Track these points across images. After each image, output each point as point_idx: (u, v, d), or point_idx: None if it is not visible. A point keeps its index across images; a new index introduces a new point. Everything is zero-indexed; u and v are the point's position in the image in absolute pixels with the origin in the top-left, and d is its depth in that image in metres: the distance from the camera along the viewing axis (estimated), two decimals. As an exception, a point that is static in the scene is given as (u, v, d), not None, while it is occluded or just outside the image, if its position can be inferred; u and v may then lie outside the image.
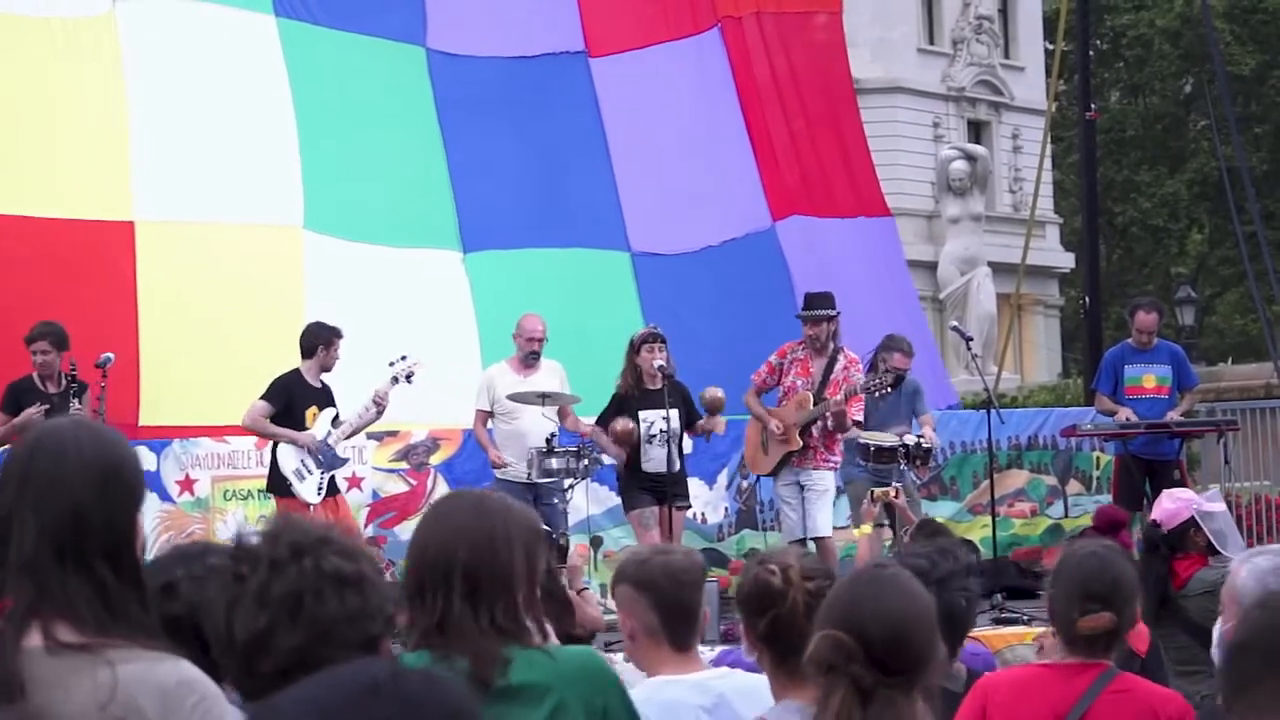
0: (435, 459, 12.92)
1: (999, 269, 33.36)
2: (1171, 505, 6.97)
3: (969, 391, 18.04)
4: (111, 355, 11.01)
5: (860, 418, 11.35)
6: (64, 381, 10.72)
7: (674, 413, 10.96)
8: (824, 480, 11.34)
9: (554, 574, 4.83)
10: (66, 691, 2.42)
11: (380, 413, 11.16)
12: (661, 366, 11.01)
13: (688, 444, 11.64)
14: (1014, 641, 9.55)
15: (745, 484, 13.43)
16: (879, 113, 31.41)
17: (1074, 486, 14.29)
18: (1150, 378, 12.27)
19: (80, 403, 10.60)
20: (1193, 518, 6.83)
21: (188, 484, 12.43)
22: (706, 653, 4.80)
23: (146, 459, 12.33)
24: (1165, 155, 40.59)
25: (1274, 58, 38.53)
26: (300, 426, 10.89)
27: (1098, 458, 14.23)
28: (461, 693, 2.00)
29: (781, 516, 11.74)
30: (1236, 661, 2.41)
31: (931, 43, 39.86)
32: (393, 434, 12.77)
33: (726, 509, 13.44)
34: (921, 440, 11.74)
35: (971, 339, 13.30)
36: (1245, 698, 2.36)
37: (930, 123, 38.89)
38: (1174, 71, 39.88)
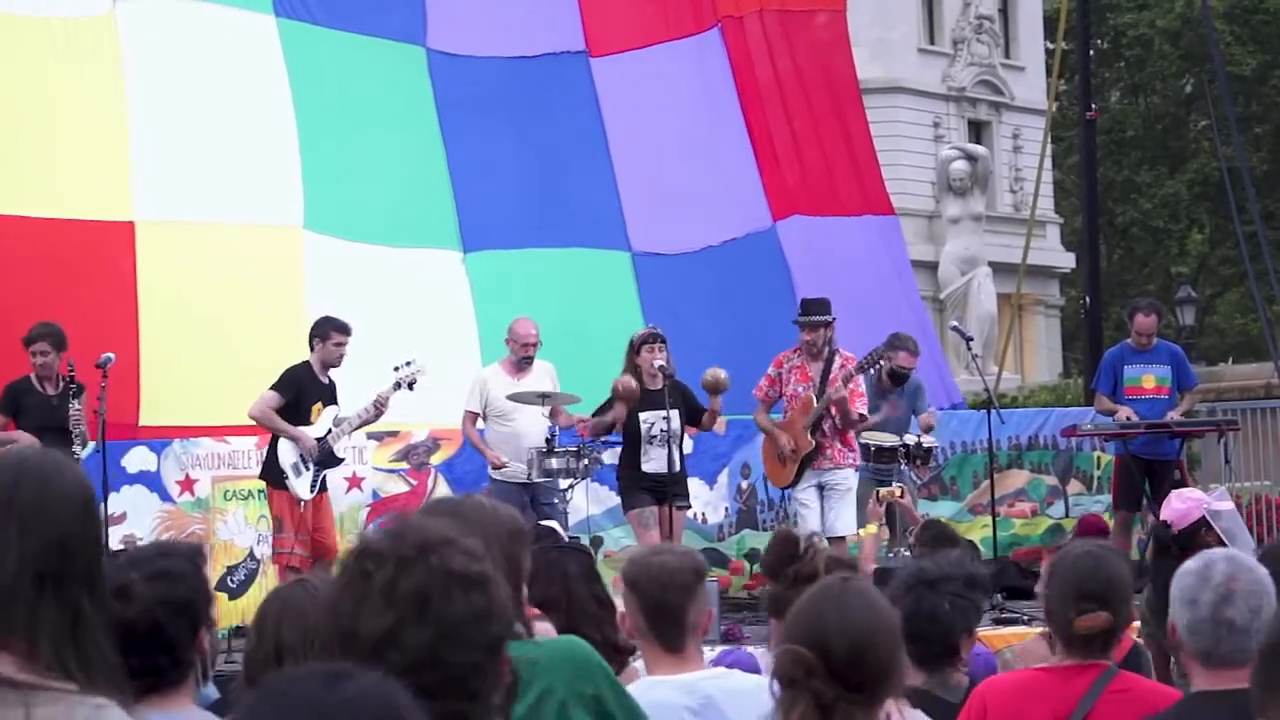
0: (435, 459, 12.92)
1: (999, 269, 33.37)
2: (1182, 505, 6.96)
3: (969, 391, 18.04)
4: (112, 355, 11.00)
5: (865, 411, 11.31)
6: (62, 383, 10.71)
7: (674, 413, 10.95)
8: (846, 479, 11.26)
9: (600, 582, 4.83)
10: None
11: (378, 415, 11.15)
12: (662, 366, 11.01)
13: (688, 444, 11.64)
14: (1014, 642, 9.55)
15: (745, 484, 13.43)
16: (879, 113, 31.37)
17: (1075, 486, 14.30)
18: (1150, 378, 12.27)
19: (79, 404, 10.59)
20: (1203, 517, 6.82)
21: (188, 484, 12.42)
22: (707, 653, 4.78)
23: (147, 459, 12.34)
24: (1165, 155, 40.59)
25: (1274, 58, 38.53)
26: (307, 420, 10.88)
27: (1098, 458, 14.23)
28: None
29: (799, 519, 11.66)
30: (1267, 663, 2.42)
31: (932, 43, 39.86)
32: (393, 434, 12.77)
33: (727, 509, 13.43)
34: (922, 440, 11.75)
35: (972, 339, 13.31)
36: (1277, 698, 2.37)
37: (931, 123, 38.89)
38: (1174, 71, 39.89)
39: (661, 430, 10.95)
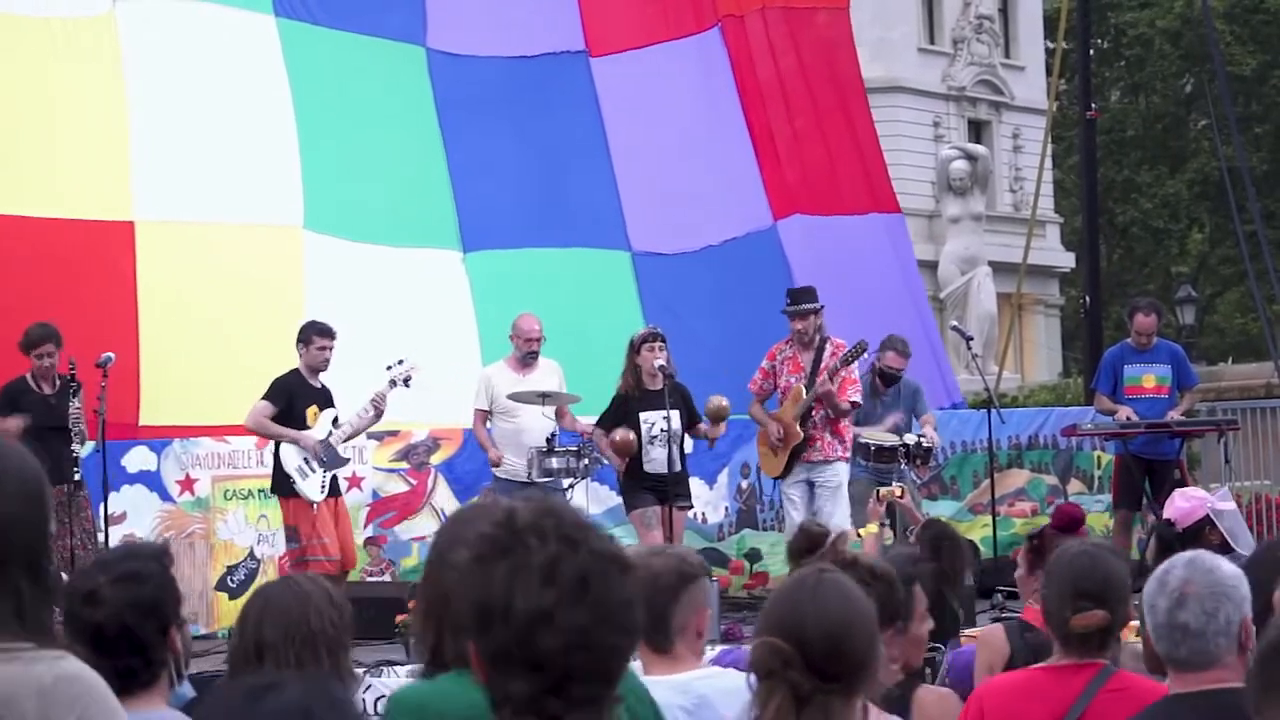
0: (435, 459, 12.92)
1: (999, 268, 33.37)
2: (1186, 504, 6.96)
3: (969, 391, 18.05)
4: (112, 355, 11.00)
5: (858, 398, 11.35)
6: (59, 381, 10.71)
7: (675, 414, 10.96)
8: (836, 475, 11.29)
9: None
10: None
11: (378, 416, 11.15)
12: (662, 366, 11.02)
13: (688, 444, 11.64)
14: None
15: (745, 484, 13.44)
16: (879, 112, 31.27)
17: (1075, 486, 14.29)
18: (1150, 377, 12.28)
19: (78, 402, 10.59)
20: (1207, 516, 6.82)
21: (188, 484, 12.43)
22: (706, 652, 4.77)
23: (147, 459, 12.35)
24: (1166, 155, 40.60)
25: (1274, 58, 38.53)
26: (301, 425, 10.87)
27: (1098, 457, 14.23)
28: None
29: (785, 516, 11.73)
30: (1265, 664, 2.42)
31: (932, 42, 39.87)
32: (393, 434, 12.77)
33: (727, 509, 13.44)
34: (922, 439, 11.76)
35: (972, 338, 13.33)
36: (1274, 699, 2.37)
37: (931, 122, 38.90)
38: (1174, 71, 39.89)
39: (662, 430, 10.95)
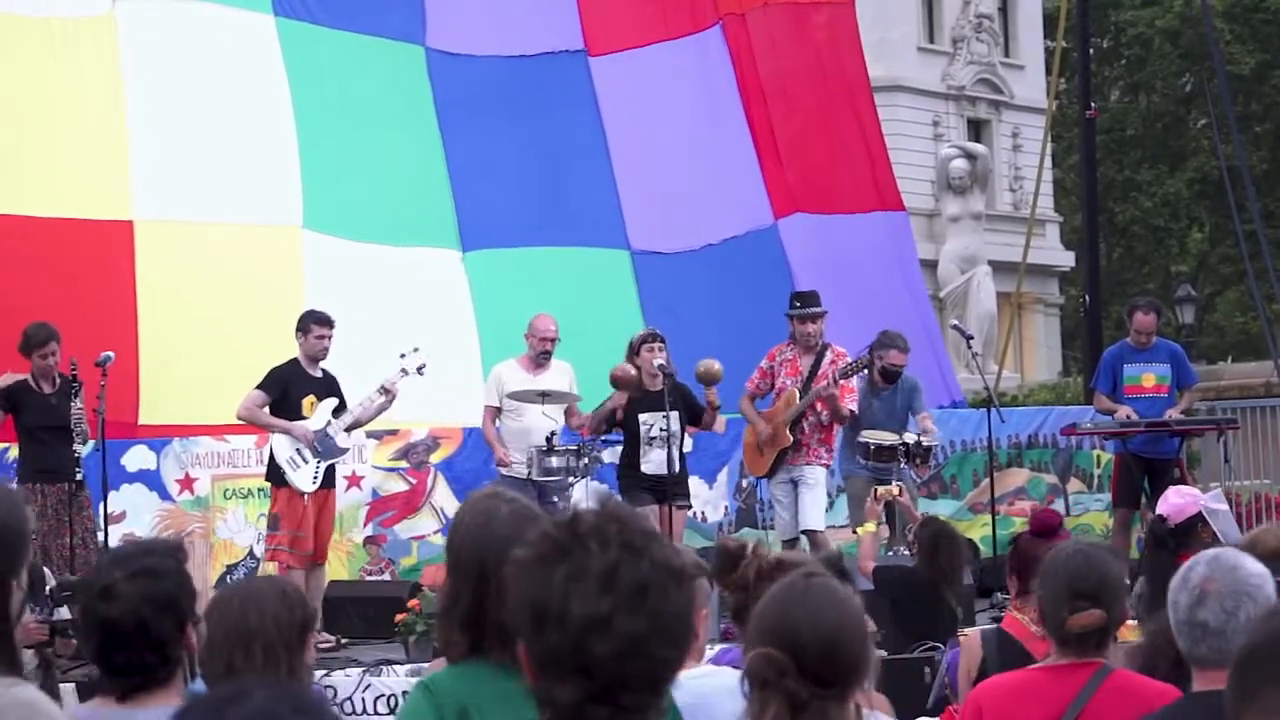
0: (435, 458, 12.92)
1: (999, 268, 33.36)
2: (1179, 500, 6.98)
3: (969, 390, 18.04)
4: (111, 354, 11.00)
5: (855, 407, 11.38)
6: (60, 381, 10.71)
7: (674, 414, 10.95)
8: (815, 475, 11.38)
9: None
10: None
11: (390, 400, 11.07)
12: (662, 366, 11.02)
13: (688, 443, 11.65)
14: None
15: (745, 483, 13.44)
16: (879, 111, 31.38)
17: (1074, 485, 14.30)
18: (1149, 376, 12.27)
19: (80, 401, 10.59)
20: (1200, 513, 6.83)
21: (187, 483, 12.44)
22: (705, 651, 4.77)
23: (146, 458, 12.35)
24: (1166, 154, 40.59)
25: (1274, 57, 38.52)
26: (297, 416, 10.84)
27: (1098, 456, 14.23)
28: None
29: (775, 516, 11.76)
30: (1245, 667, 2.41)
31: (931, 41, 39.86)
32: (392, 433, 12.77)
33: (726, 508, 13.44)
34: (921, 439, 11.75)
35: (972, 337, 13.31)
36: (1255, 703, 2.36)
37: (930, 121, 38.89)
38: (1174, 70, 39.88)
39: (661, 431, 10.95)
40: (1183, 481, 11.77)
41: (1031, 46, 41.53)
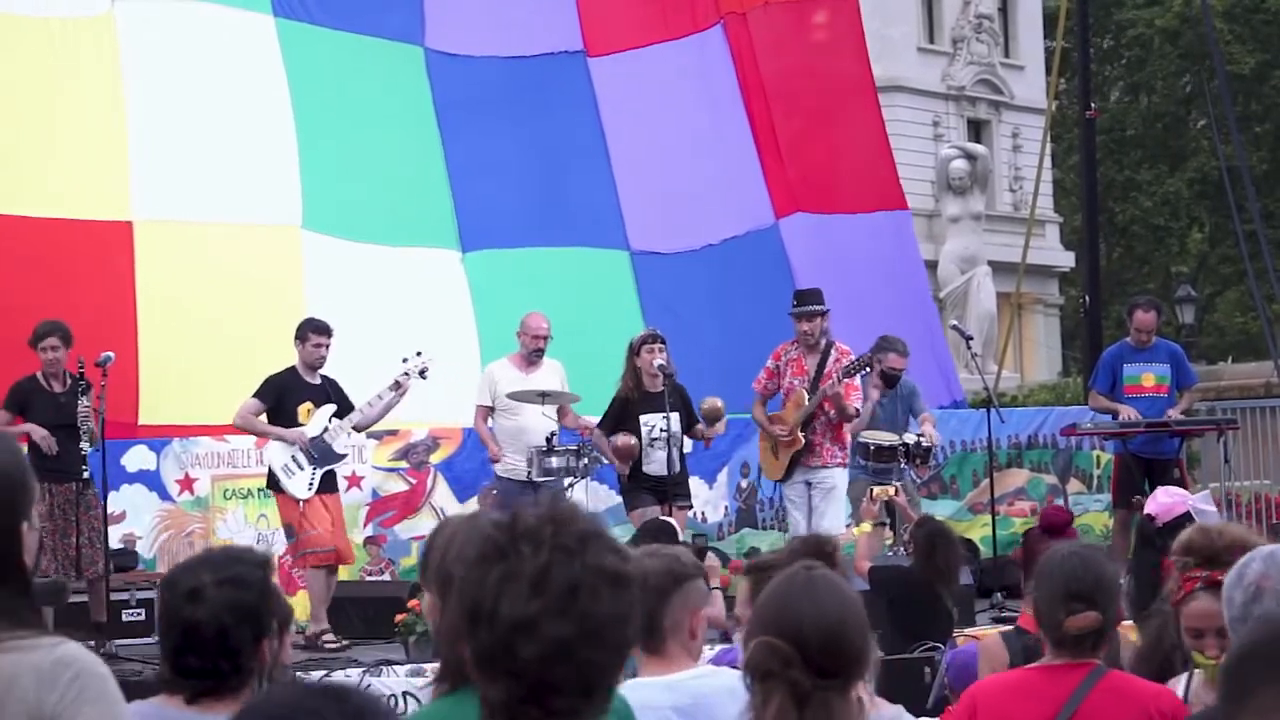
0: (435, 458, 12.92)
1: (999, 268, 33.35)
2: (1167, 500, 6.99)
3: (969, 390, 18.04)
4: (111, 354, 10.99)
5: (859, 405, 11.35)
6: (69, 380, 10.72)
7: (674, 415, 10.95)
8: (831, 478, 11.31)
9: None
10: None
11: (401, 394, 11.06)
12: (662, 366, 11.02)
13: (687, 444, 11.64)
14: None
15: (745, 483, 13.44)
16: (879, 112, 31.38)
17: (1074, 485, 14.31)
18: (1149, 376, 12.26)
19: (87, 400, 10.61)
20: (1188, 513, 6.84)
21: (187, 483, 12.43)
22: (706, 651, 4.77)
23: (146, 458, 12.34)
24: (1166, 154, 40.59)
25: (1274, 57, 38.52)
26: (293, 423, 10.86)
27: (1098, 456, 14.23)
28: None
29: (788, 517, 11.72)
30: (1239, 669, 2.42)
31: (931, 41, 39.87)
32: (392, 433, 12.76)
33: (727, 508, 13.44)
34: (921, 439, 11.75)
35: (972, 338, 13.31)
36: (1251, 702, 2.37)
37: (930, 122, 38.89)
38: (1174, 70, 39.88)
39: (662, 432, 10.95)
40: (1183, 481, 11.78)
41: (1031, 47, 41.53)
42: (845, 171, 15.97)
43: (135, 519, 12.17)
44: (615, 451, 11.09)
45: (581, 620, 2.22)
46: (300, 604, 10.85)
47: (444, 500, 12.74)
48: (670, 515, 10.81)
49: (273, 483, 10.91)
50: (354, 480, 12.48)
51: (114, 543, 11.47)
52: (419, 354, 11.14)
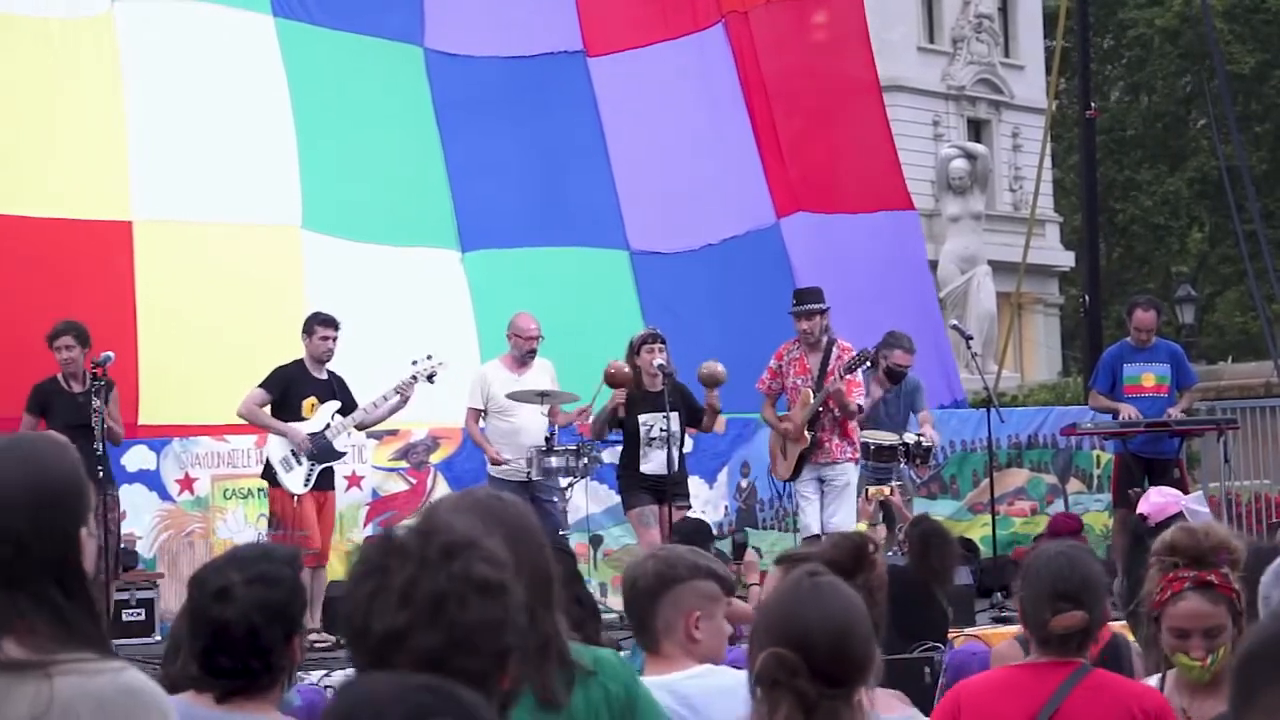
0: (435, 458, 12.92)
1: (999, 268, 33.35)
2: (1160, 499, 7.01)
3: (969, 390, 18.06)
4: (111, 354, 11.00)
5: (862, 401, 11.33)
6: (89, 380, 10.74)
7: (674, 414, 10.94)
8: (844, 474, 11.27)
9: (582, 583, 4.85)
10: (6, 702, 2.42)
11: (403, 402, 11.11)
12: (661, 365, 11.00)
13: (688, 443, 11.63)
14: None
15: (745, 483, 13.44)
16: (879, 111, 31.35)
17: (1074, 485, 14.31)
18: (1149, 376, 12.26)
19: (99, 400, 10.65)
20: (1180, 512, 6.85)
21: (187, 483, 12.43)
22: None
23: (146, 458, 12.34)
24: (1166, 153, 40.59)
25: (1274, 57, 38.53)
26: (296, 417, 10.89)
27: (1098, 456, 14.23)
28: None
29: (800, 515, 11.69)
30: (1247, 669, 2.42)
31: (931, 41, 39.87)
32: (392, 433, 12.77)
33: (726, 507, 13.44)
34: (921, 439, 11.74)
35: (971, 337, 13.31)
36: (1256, 703, 2.37)
37: (930, 121, 38.89)
38: (1174, 70, 39.88)
39: (661, 431, 10.93)
40: (1182, 481, 11.78)
41: (1031, 46, 41.54)
42: (847, 171, 15.96)
43: (135, 519, 12.17)
44: (609, 379, 11.03)
45: (450, 629, 2.25)
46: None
47: (444, 500, 12.73)
48: (670, 515, 10.82)
49: (268, 474, 10.94)
50: (354, 480, 12.49)
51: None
52: (429, 357, 11.16)
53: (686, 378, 11.37)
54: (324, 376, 11.05)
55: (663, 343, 11.18)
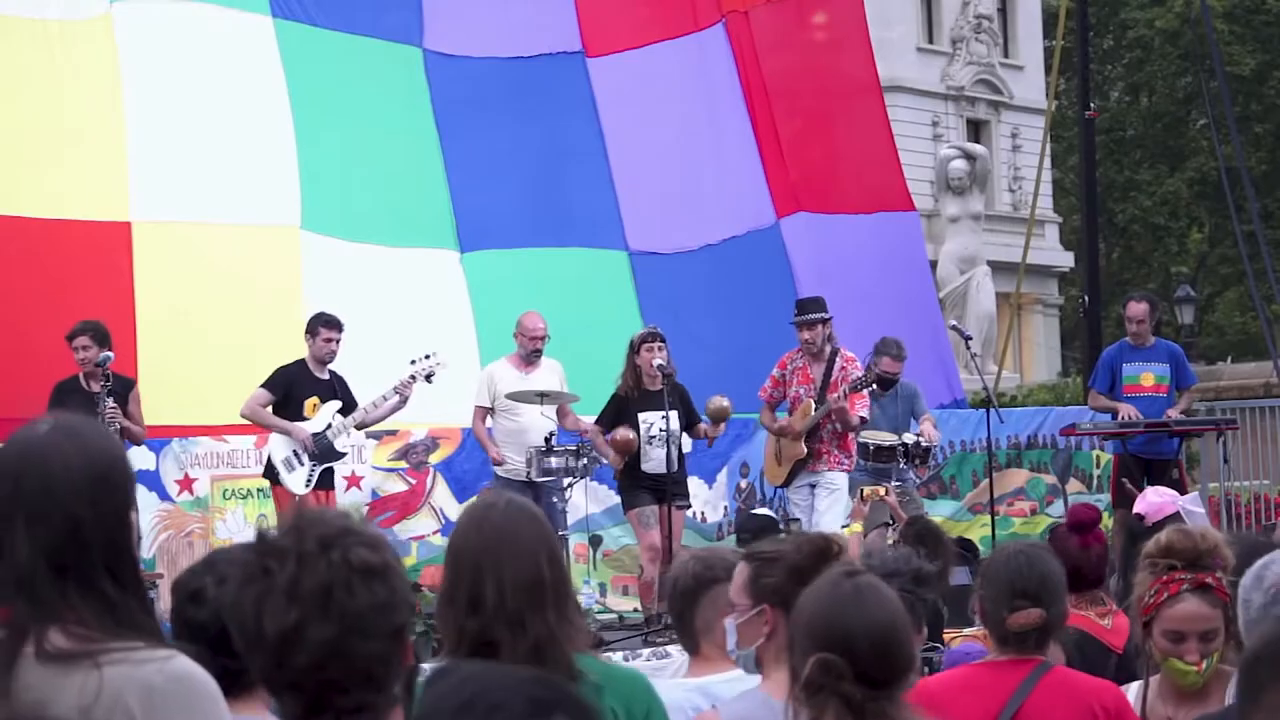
0: (434, 458, 12.92)
1: (998, 268, 33.36)
2: (1157, 499, 7.00)
3: (969, 390, 18.06)
4: (110, 354, 11.02)
5: (865, 414, 11.32)
6: (109, 379, 10.77)
7: (674, 414, 10.93)
8: (835, 480, 11.28)
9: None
10: (55, 694, 2.42)
11: (403, 402, 11.13)
12: (661, 365, 10.99)
13: (687, 443, 11.62)
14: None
15: (745, 483, 13.43)
16: (878, 112, 31.34)
17: (1074, 485, 14.30)
18: (1149, 376, 12.26)
19: (125, 402, 10.70)
20: (1177, 512, 6.85)
21: (187, 483, 12.44)
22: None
23: (146, 458, 12.34)
24: (1165, 154, 40.61)
25: (1274, 58, 38.55)
26: (299, 417, 10.92)
27: (1097, 456, 14.23)
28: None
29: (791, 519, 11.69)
30: (1253, 669, 2.43)
31: (931, 42, 39.88)
32: (392, 433, 12.77)
33: (726, 508, 13.44)
34: (920, 439, 11.74)
35: (971, 338, 13.31)
36: (1263, 702, 2.39)
37: (930, 122, 38.90)
38: (1174, 71, 39.89)
39: (660, 430, 10.92)
40: (1181, 482, 11.77)
41: (1031, 47, 41.55)
42: (847, 172, 15.95)
43: (134, 519, 12.15)
44: (614, 444, 11.07)
45: (342, 617, 2.27)
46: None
47: (443, 500, 12.74)
48: (669, 515, 10.81)
49: (270, 474, 10.95)
50: (354, 480, 12.49)
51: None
52: (428, 356, 11.17)
53: (686, 378, 11.37)
54: (325, 376, 11.07)
55: (663, 342, 11.17)
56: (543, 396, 11.23)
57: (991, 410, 12.42)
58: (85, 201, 13.21)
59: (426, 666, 2.84)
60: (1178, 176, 39.45)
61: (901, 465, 11.78)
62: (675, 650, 9.92)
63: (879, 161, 16.06)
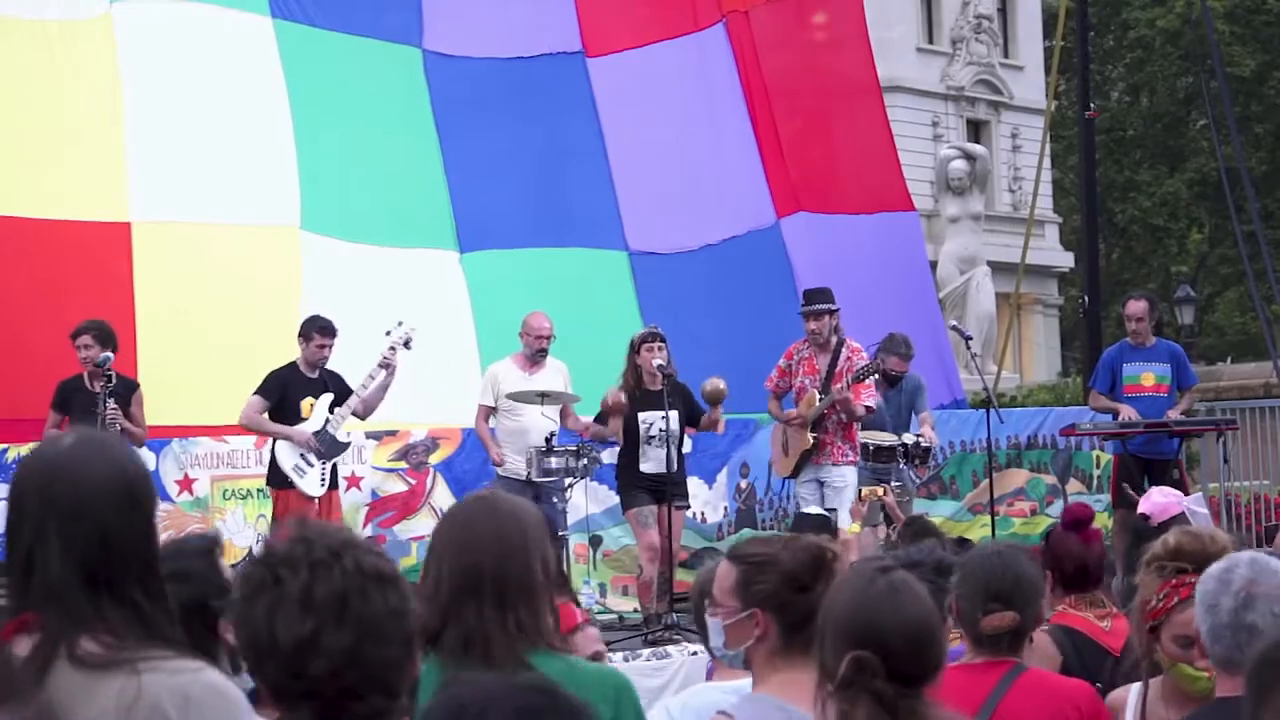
0: (434, 458, 12.91)
1: (998, 268, 33.37)
2: (1162, 499, 7.00)
3: (969, 391, 18.06)
4: (110, 355, 11.02)
5: (871, 403, 11.31)
6: (110, 379, 10.76)
7: (674, 414, 10.92)
8: (844, 476, 11.26)
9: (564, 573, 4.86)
10: (87, 698, 2.43)
11: (391, 373, 11.07)
12: (661, 365, 10.97)
13: (687, 444, 11.61)
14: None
15: (745, 483, 13.43)
16: (878, 112, 31.33)
17: (1074, 485, 14.30)
18: (1149, 376, 12.26)
19: (128, 404, 10.69)
20: (1182, 513, 6.84)
21: (187, 483, 12.43)
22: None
23: (145, 458, 12.28)
24: (1165, 154, 40.62)
25: (1274, 58, 38.56)
26: (296, 419, 10.89)
27: (1097, 456, 14.22)
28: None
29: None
30: (1261, 671, 2.44)
31: (931, 42, 39.88)
32: (392, 433, 12.76)
33: (726, 508, 13.43)
34: (920, 439, 11.74)
35: (971, 338, 13.30)
36: (1270, 702, 2.40)
37: (929, 122, 38.91)
38: (1175, 71, 39.89)
39: (660, 430, 10.91)
40: (1181, 482, 11.77)
41: (1031, 47, 41.56)
42: (847, 172, 15.95)
43: (134, 519, 12.15)
44: (606, 408, 11.03)
45: (359, 624, 2.28)
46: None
47: (443, 501, 12.72)
48: (669, 514, 10.80)
49: (275, 478, 10.93)
50: (353, 480, 12.48)
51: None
52: (400, 324, 11.12)
53: (685, 377, 11.36)
54: (316, 376, 11.05)
55: (663, 341, 11.15)
56: (544, 397, 11.22)
57: (991, 410, 12.42)
58: (85, 202, 13.20)
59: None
60: (1178, 177, 39.46)
61: (901, 466, 11.77)
62: (675, 650, 9.92)
63: (879, 161, 16.06)
